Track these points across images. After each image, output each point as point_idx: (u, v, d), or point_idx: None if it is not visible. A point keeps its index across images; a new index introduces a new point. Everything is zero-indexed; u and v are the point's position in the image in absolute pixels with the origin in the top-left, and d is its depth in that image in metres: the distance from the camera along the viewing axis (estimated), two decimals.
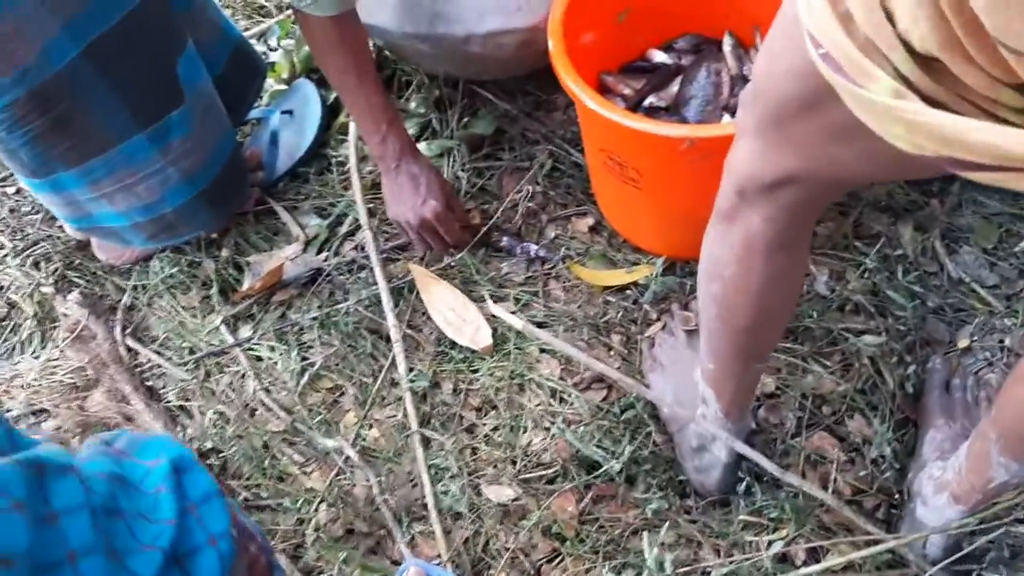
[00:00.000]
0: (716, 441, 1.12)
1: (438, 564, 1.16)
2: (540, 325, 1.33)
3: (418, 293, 1.40)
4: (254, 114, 1.60)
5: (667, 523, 1.15)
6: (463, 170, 1.49)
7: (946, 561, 1.03)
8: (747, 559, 1.09)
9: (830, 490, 1.15)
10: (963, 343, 1.24)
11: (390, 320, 1.34)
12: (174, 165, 1.32)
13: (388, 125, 1.28)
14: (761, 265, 0.85)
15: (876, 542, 1.06)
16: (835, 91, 0.53)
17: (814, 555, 1.12)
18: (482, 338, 1.33)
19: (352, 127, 1.51)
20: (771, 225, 0.81)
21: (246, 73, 1.52)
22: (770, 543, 1.12)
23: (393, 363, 1.33)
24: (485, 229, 1.43)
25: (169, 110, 1.27)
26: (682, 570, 1.10)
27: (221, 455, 1.33)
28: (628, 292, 1.34)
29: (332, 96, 1.59)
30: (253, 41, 1.71)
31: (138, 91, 1.23)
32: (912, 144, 0.48)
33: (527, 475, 1.21)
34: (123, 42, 1.18)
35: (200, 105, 1.33)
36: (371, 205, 1.47)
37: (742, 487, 1.14)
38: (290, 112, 1.59)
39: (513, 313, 1.32)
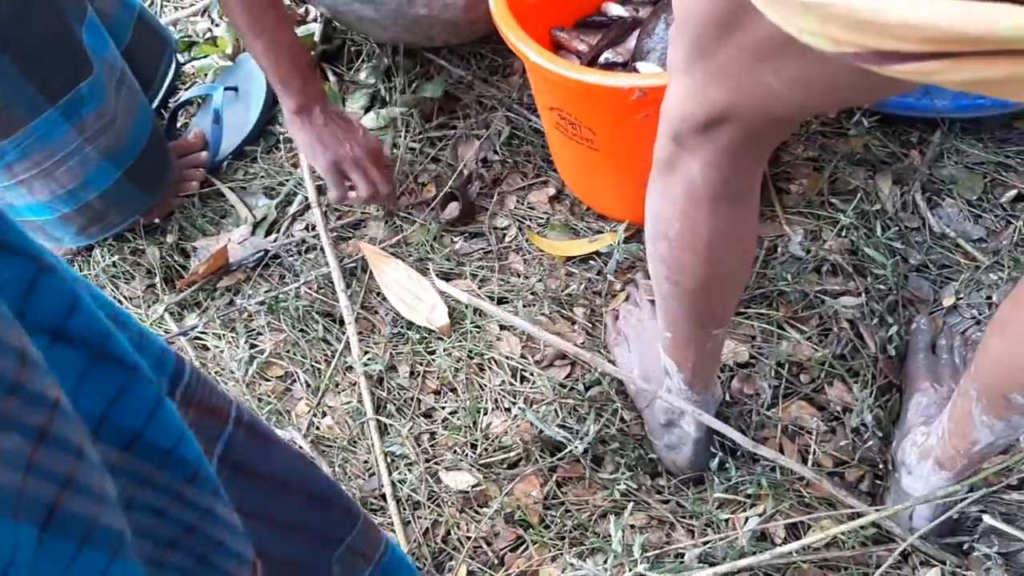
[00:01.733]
0: (685, 416, 1.05)
1: None
2: (500, 301, 1.26)
3: (371, 273, 1.32)
4: (195, 92, 1.52)
5: (636, 504, 1.08)
6: (415, 140, 1.41)
7: (928, 527, 0.96)
8: (722, 538, 1.02)
9: (809, 463, 1.08)
10: (948, 301, 1.16)
11: (342, 301, 1.26)
12: (92, 143, 1.24)
13: (308, 67, 1.20)
14: (706, 217, 0.77)
15: (859, 515, 0.98)
16: (751, 2, 0.45)
17: (794, 532, 1.05)
18: (438, 317, 1.25)
19: None
20: (713, 171, 0.74)
21: (153, 44, 1.44)
22: (747, 520, 1.04)
23: (347, 347, 1.26)
24: (438, 202, 1.35)
25: (78, 81, 1.19)
26: (653, 553, 1.03)
27: None
28: (592, 263, 1.26)
29: None
30: (196, 17, 1.64)
31: (42, 62, 1.15)
32: (828, 40, 0.41)
33: (488, 459, 1.14)
34: (18, 9, 1.10)
35: (111, 76, 1.25)
36: (320, 183, 1.39)
37: (715, 463, 1.06)
38: (234, 89, 1.51)
39: (468, 291, 1.25)
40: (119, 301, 1.39)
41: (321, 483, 0.67)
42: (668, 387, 1.04)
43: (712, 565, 0.99)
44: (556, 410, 1.14)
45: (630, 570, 1.00)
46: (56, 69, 1.16)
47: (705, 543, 1.02)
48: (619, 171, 1.14)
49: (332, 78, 1.47)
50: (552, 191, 1.34)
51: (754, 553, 1.00)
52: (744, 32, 0.57)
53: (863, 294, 1.16)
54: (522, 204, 1.34)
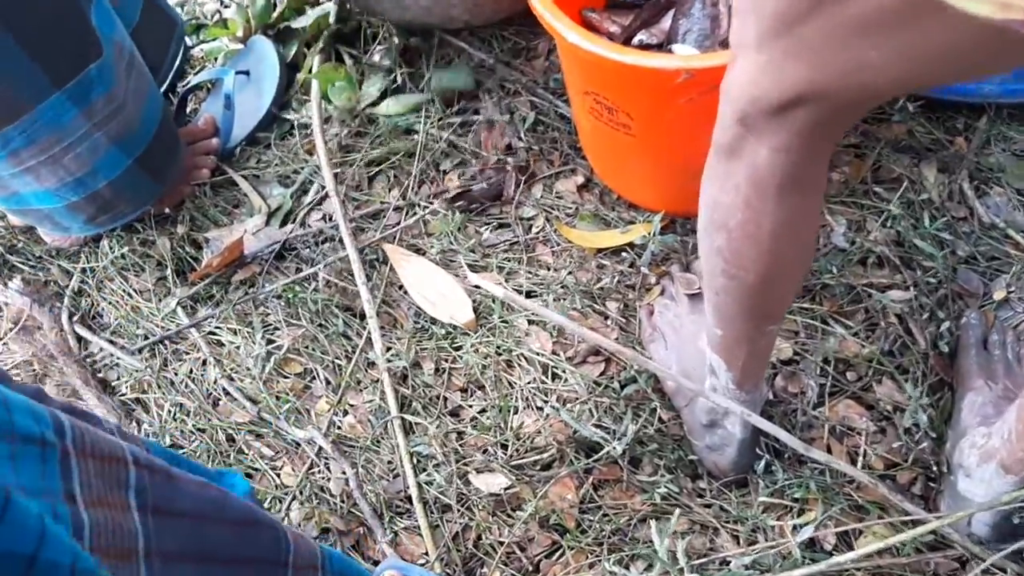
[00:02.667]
0: (729, 415, 1.00)
1: (423, 564, 1.04)
2: (528, 295, 1.20)
3: (392, 266, 1.26)
4: (205, 76, 1.46)
5: (678, 509, 1.03)
6: (435, 126, 1.36)
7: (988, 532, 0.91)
8: (771, 547, 0.97)
9: (859, 465, 1.03)
10: (999, 294, 1.11)
11: (363, 294, 1.21)
12: (102, 129, 1.18)
13: None
14: (772, 206, 0.72)
15: (916, 522, 0.93)
16: None
17: (845, 539, 1.00)
18: (463, 312, 1.20)
19: (315, 85, 1.37)
20: (783, 158, 0.68)
21: (161, 25, 1.38)
22: (796, 527, 0.99)
23: (368, 342, 1.20)
24: (461, 191, 1.30)
25: (87, 63, 1.13)
26: (698, 560, 0.98)
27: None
28: (624, 255, 1.21)
29: (291, 53, 1.45)
30: None
31: (49, 43, 1.09)
32: (996, 5, 0.35)
33: (519, 460, 1.08)
34: None
35: (121, 59, 1.19)
36: (338, 170, 1.34)
37: (760, 465, 1.02)
38: (246, 73, 1.45)
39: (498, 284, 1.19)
40: (128, 295, 1.34)
41: (237, 506, 0.64)
42: (713, 386, 0.98)
43: (763, 573, 0.94)
44: (591, 409, 1.09)
45: None
46: (64, 51, 1.10)
47: (753, 550, 0.97)
48: (657, 159, 1.09)
49: (348, 61, 1.41)
50: (581, 179, 1.28)
51: (805, 561, 0.95)
52: (843, 5, 0.52)
53: (911, 287, 1.11)
54: (549, 193, 1.29)
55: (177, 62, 1.43)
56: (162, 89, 1.42)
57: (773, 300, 0.83)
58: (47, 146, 1.15)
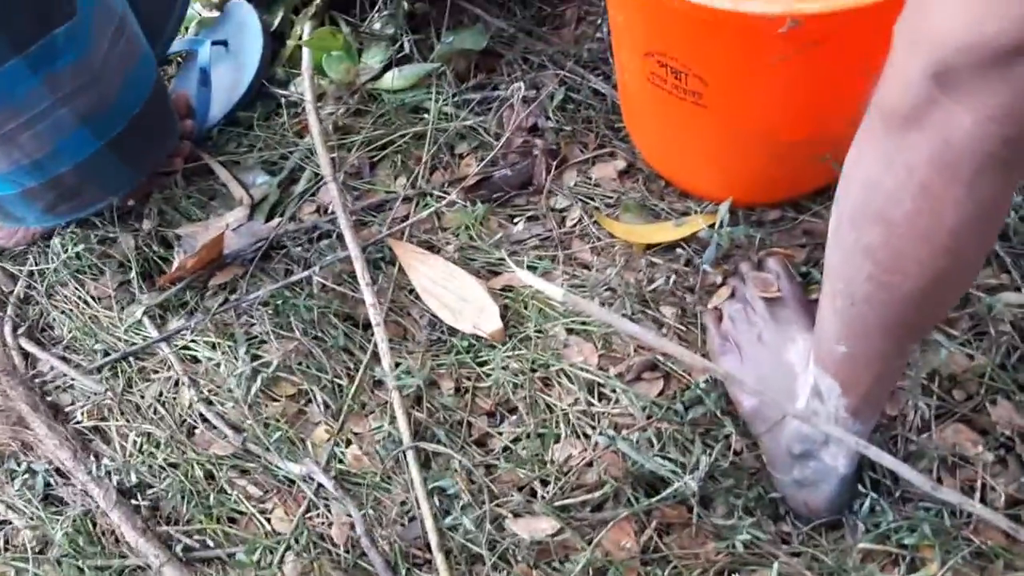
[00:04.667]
0: (829, 445, 0.82)
1: None
2: None
3: (401, 267, 1.07)
4: (177, 47, 1.25)
5: (761, 558, 0.85)
6: (448, 103, 1.16)
7: None
8: None
9: (977, 496, 0.86)
10: None
11: (368, 299, 1.01)
12: (68, 104, 0.99)
13: None
14: (962, 197, 0.55)
15: None
16: None
17: None
18: (489, 321, 1.01)
19: (306, 55, 1.17)
20: (992, 130, 0.51)
21: None
22: None
23: (374, 357, 1.01)
24: (480, 178, 1.11)
25: (52, 25, 0.93)
26: None
27: (151, 492, 1.00)
28: (679, 251, 1.02)
29: (276, 20, 1.25)
30: None
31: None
32: None
33: (565, 500, 0.89)
34: None
35: (105, 22, 0.99)
36: (334, 155, 1.14)
37: (864, 505, 0.84)
38: (224, 43, 1.25)
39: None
40: (85, 303, 1.13)
41: None
42: (814, 410, 0.80)
43: None
44: (651, 438, 0.90)
45: None
46: (25, 8, 0.90)
47: None
48: (733, 134, 0.90)
49: (346, 29, 1.21)
50: (622, 164, 1.10)
51: None
52: None
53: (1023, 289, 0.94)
54: (585, 180, 1.10)
55: (175, 32, 1.22)
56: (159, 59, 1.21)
57: (932, 313, 0.66)
58: (0, 121, 0.95)
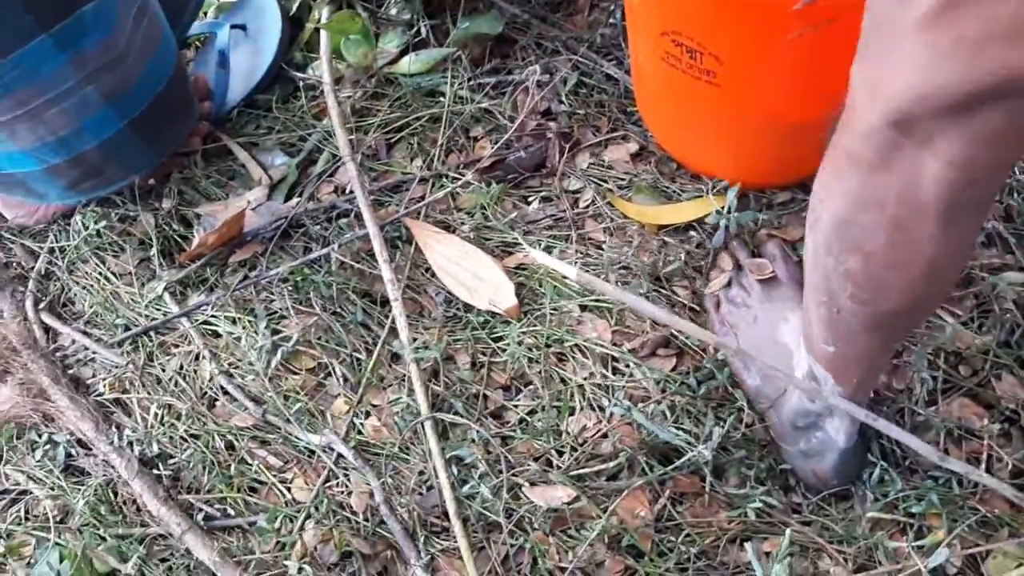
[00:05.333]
0: (832, 416, 0.84)
1: None
2: None
3: (418, 246, 1.09)
4: (196, 30, 1.27)
5: (772, 526, 0.87)
6: (463, 87, 1.18)
7: None
8: (895, 571, 0.81)
9: (983, 467, 0.88)
10: None
11: (386, 275, 1.03)
12: (93, 83, 1.00)
13: None
14: (933, 232, 0.56)
15: None
16: None
17: (972, 562, 0.84)
18: (505, 298, 1.03)
19: (325, 39, 1.19)
20: (958, 175, 0.52)
21: None
22: (917, 548, 0.84)
23: (392, 332, 1.03)
24: (495, 160, 1.13)
25: (79, 4, 0.95)
26: None
27: (172, 462, 1.02)
28: (691, 233, 1.05)
29: (295, 5, 1.27)
30: None
31: None
32: None
33: (580, 470, 0.92)
34: None
35: (126, 2, 1.01)
36: (352, 137, 1.16)
37: (873, 475, 0.86)
38: (242, 27, 1.27)
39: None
40: (106, 278, 1.15)
41: None
42: (814, 386, 0.83)
43: None
44: (665, 411, 0.92)
45: None
46: None
47: (871, 575, 0.82)
48: (745, 113, 0.93)
49: (364, 14, 1.23)
50: (634, 147, 1.12)
51: None
52: None
53: None
54: (597, 163, 1.12)
55: (195, 15, 1.24)
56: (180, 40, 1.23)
57: (913, 322, 0.69)
58: (25, 98, 0.97)
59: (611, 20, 1.20)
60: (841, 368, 0.76)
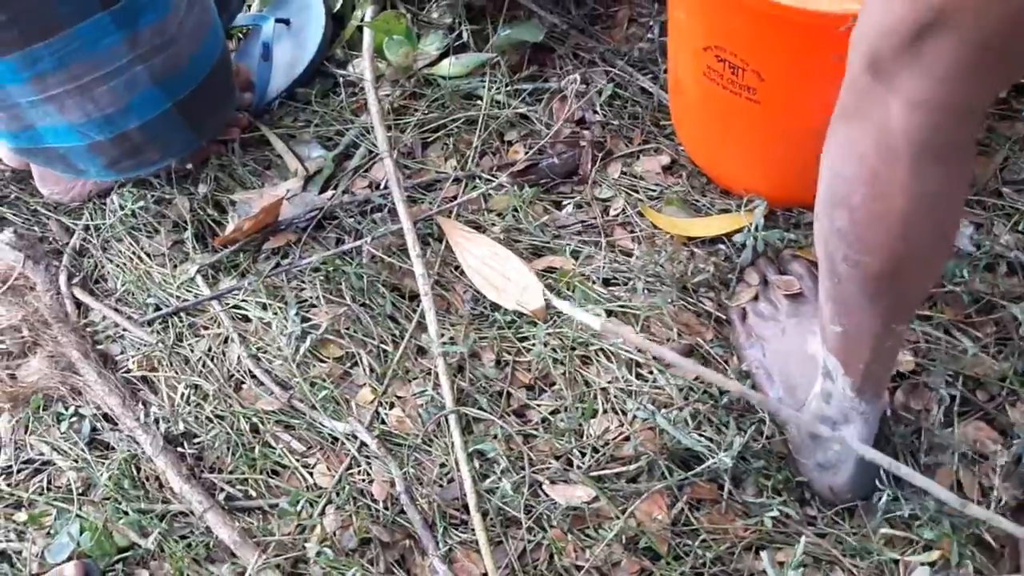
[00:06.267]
0: (848, 426, 0.86)
1: None
2: (606, 282, 1.06)
3: (448, 243, 1.11)
4: (241, 21, 1.30)
5: (787, 536, 0.88)
6: (500, 92, 1.21)
7: None
8: None
9: (994, 498, 0.89)
10: None
11: (417, 268, 1.05)
12: (144, 63, 1.03)
13: None
14: (906, 180, 0.61)
15: None
16: None
17: None
18: (532, 299, 1.05)
19: (367, 37, 1.21)
20: (920, 116, 0.58)
21: None
22: (921, 565, 0.85)
23: (419, 326, 1.05)
24: (527, 165, 1.15)
25: None
26: None
27: (196, 442, 1.03)
28: (720, 246, 1.07)
29: (339, 3, 1.30)
30: None
31: None
32: None
33: (600, 471, 0.93)
34: None
35: None
36: (390, 134, 1.18)
37: (884, 496, 0.87)
38: (286, 21, 1.29)
39: (573, 269, 1.04)
40: (139, 258, 1.17)
41: None
42: (828, 392, 0.85)
43: None
44: (687, 418, 0.94)
45: None
46: None
47: None
48: (783, 130, 0.95)
49: (407, 15, 1.26)
50: (666, 160, 1.14)
51: None
52: None
53: None
54: (629, 173, 1.14)
55: (239, 7, 1.27)
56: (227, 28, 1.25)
57: (903, 292, 0.72)
58: (79, 73, 0.99)
59: (649, 35, 1.23)
60: (848, 352, 0.79)
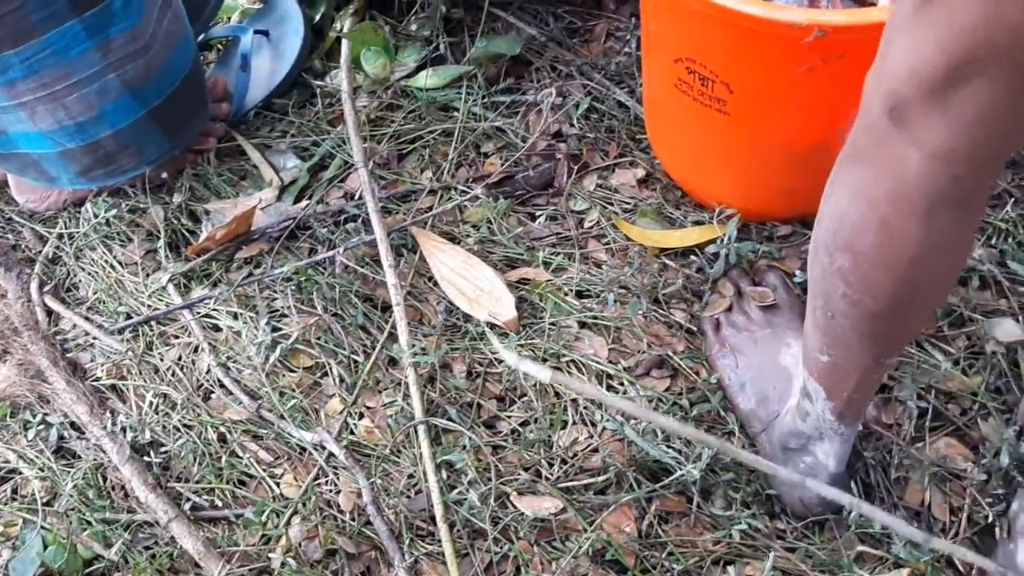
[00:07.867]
0: (823, 440, 0.85)
1: None
2: (580, 294, 1.05)
3: (421, 255, 1.11)
4: (220, 33, 1.30)
5: (756, 551, 0.88)
6: (482, 104, 1.21)
7: None
8: None
9: (965, 515, 0.89)
10: None
11: (389, 279, 1.05)
12: (116, 71, 1.03)
13: None
14: (917, 230, 0.59)
15: None
16: None
17: None
18: (504, 310, 1.04)
19: (345, 48, 1.22)
20: (940, 168, 0.55)
21: None
22: None
23: (391, 337, 1.04)
24: (502, 177, 1.15)
25: None
26: None
27: (163, 450, 1.02)
28: (692, 258, 1.06)
29: (318, 15, 1.30)
30: None
31: None
32: None
33: (568, 483, 0.92)
34: None
35: None
36: (366, 144, 1.18)
37: (849, 513, 0.87)
38: (265, 33, 1.29)
39: (549, 281, 1.04)
40: (112, 267, 1.16)
41: None
42: (805, 411, 0.84)
43: None
44: (656, 429, 0.93)
45: None
46: None
47: None
48: (752, 143, 0.95)
49: (386, 27, 1.26)
50: (641, 173, 1.14)
51: None
52: None
53: (1020, 314, 0.98)
54: (604, 186, 1.14)
55: (213, 15, 1.27)
56: (199, 39, 1.25)
57: (900, 330, 0.71)
58: (50, 80, 0.99)
59: (626, 49, 1.23)
60: (833, 381, 0.78)
